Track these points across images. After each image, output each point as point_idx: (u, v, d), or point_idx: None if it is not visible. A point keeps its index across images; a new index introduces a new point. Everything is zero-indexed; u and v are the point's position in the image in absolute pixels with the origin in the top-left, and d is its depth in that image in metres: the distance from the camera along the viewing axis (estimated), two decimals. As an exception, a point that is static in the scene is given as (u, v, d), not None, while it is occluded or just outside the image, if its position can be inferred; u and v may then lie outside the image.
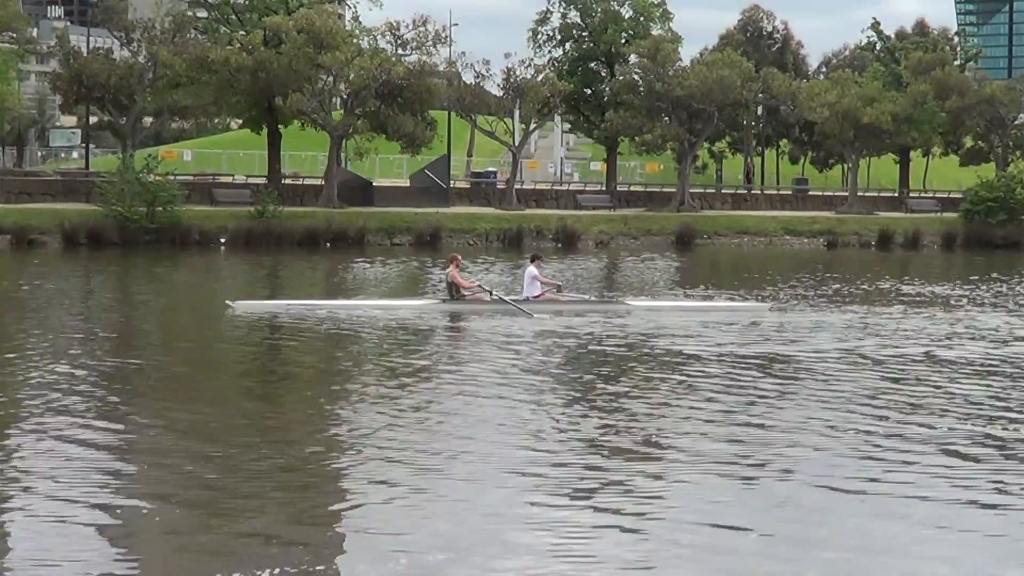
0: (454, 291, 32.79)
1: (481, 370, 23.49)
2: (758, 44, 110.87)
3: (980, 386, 22.10)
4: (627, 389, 21.47)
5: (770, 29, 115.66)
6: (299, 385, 22.94)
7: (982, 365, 24.64)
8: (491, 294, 33.06)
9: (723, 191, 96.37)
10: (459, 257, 34.54)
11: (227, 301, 32.77)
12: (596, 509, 13.78)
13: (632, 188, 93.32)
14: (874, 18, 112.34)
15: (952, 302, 38.83)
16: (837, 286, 44.52)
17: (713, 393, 20.97)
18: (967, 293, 42.54)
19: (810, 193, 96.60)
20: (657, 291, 42.18)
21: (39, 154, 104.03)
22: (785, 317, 32.60)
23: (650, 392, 21.22)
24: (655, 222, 78.36)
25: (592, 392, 21.25)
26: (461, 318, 31.48)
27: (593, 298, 35.28)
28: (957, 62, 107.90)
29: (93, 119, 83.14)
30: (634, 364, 24.54)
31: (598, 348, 26.76)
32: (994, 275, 51.32)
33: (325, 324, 29.93)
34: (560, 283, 36.46)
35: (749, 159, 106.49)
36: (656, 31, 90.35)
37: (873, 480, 15.04)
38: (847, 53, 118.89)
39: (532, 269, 33.66)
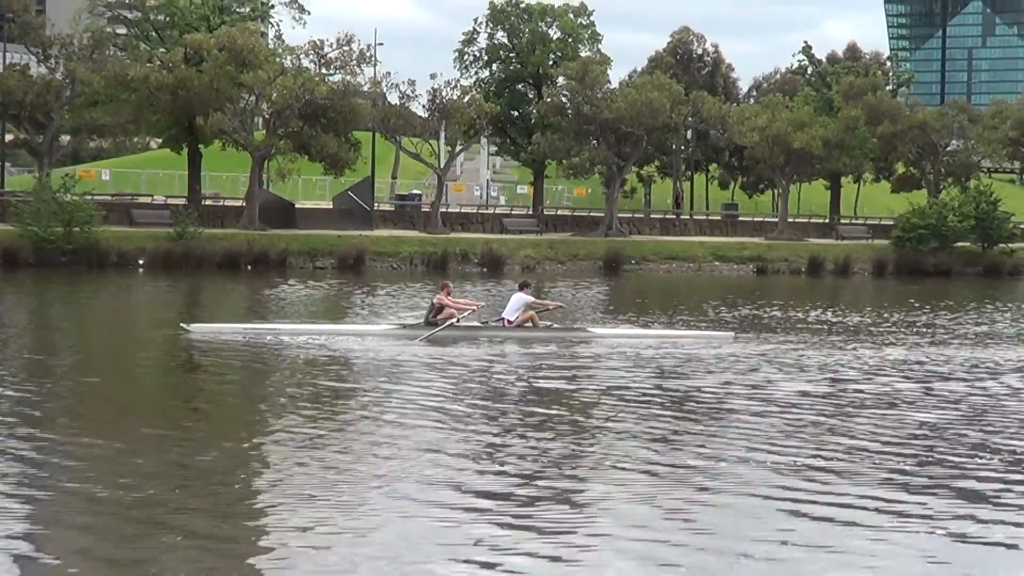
0: (430, 315, 32.03)
1: (432, 398, 22.82)
2: (688, 67, 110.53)
3: (888, 420, 21.28)
4: (568, 415, 21.02)
5: (700, 52, 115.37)
6: (224, 413, 21.91)
7: (887, 399, 23.72)
8: (457, 320, 32.10)
9: (652, 216, 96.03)
10: (450, 284, 33.85)
11: (182, 324, 31.82)
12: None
13: (559, 212, 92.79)
14: (805, 42, 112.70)
15: (874, 331, 38.09)
16: (767, 313, 43.77)
17: (654, 419, 20.58)
18: (891, 322, 41.84)
19: (740, 219, 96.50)
20: (611, 320, 41.38)
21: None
22: (749, 347, 31.84)
23: (607, 419, 20.68)
24: (582, 247, 77.64)
25: (531, 419, 20.66)
26: (426, 344, 30.67)
27: (554, 326, 34.30)
28: (889, 87, 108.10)
29: (9, 137, 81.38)
30: (590, 391, 24.00)
31: (546, 376, 26.14)
32: (920, 304, 50.74)
33: (272, 350, 29.05)
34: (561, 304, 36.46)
35: (678, 184, 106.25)
36: (584, 53, 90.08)
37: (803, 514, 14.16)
38: (778, 77, 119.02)
39: (522, 296, 32.88)
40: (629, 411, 21.64)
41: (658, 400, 23.01)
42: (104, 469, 16.40)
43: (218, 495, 15.21)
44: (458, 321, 31.95)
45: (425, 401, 22.22)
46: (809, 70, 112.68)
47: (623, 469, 16.95)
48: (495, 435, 19.22)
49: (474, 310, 32.82)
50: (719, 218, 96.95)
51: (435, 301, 32.33)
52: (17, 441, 18.10)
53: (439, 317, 31.91)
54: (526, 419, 20.74)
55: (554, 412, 21.54)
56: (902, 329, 39.22)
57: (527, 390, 24.42)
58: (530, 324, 32.56)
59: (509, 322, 32.44)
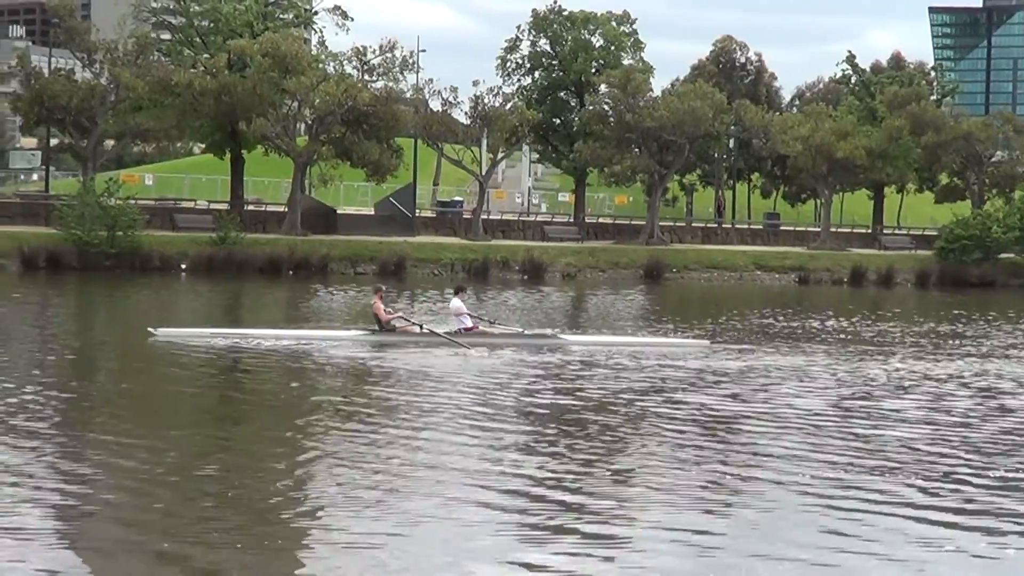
0: (381, 323, 32.00)
1: (397, 405, 22.96)
2: (731, 76, 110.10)
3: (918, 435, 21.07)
4: (553, 426, 20.88)
5: (743, 61, 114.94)
6: (209, 418, 21.87)
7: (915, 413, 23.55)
8: (421, 327, 32.10)
9: (693, 225, 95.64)
10: (383, 288, 33.74)
11: (149, 329, 31.74)
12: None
13: (600, 220, 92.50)
14: (849, 51, 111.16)
15: (915, 343, 37.82)
16: (800, 323, 43.55)
17: (625, 430, 20.71)
18: (933, 333, 41.54)
19: (782, 228, 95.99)
20: (597, 325, 41.25)
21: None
22: (722, 356, 31.70)
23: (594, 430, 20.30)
24: (623, 255, 77.38)
25: (523, 428, 20.73)
26: (387, 350, 30.71)
27: (526, 332, 34.12)
28: (933, 97, 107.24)
29: (54, 141, 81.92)
30: (560, 401, 23.92)
31: (526, 383, 26.13)
32: (964, 315, 50.36)
33: (249, 354, 29.27)
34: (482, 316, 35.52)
35: (720, 192, 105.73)
36: (627, 61, 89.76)
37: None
38: (821, 86, 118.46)
39: (457, 302, 32.65)
40: (650, 419, 21.65)
41: (683, 408, 22.97)
42: (150, 467, 16.48)
43: (260, 493, 15.23)
44: (420, 328, 31.93)
45: (450, 409, 22.29)
46: (853, 79, 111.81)
47: (656, 475, 16.89)
48: (525, 440, 19.34)
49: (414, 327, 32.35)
50: (761, 227, 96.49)
51: (372, 310, 32.24)
52: (51, 440, 18.21)
53: (393, 325, 31.87)
54: (538, 426, 20.79)
55: (574, 419, 21.51)
56: (944, 340, 38.98)
57: (526, 398, 24.30)
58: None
59: (468, 329, 32.23)
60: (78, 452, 17.63)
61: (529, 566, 12.67)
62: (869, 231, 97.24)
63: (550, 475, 16.77)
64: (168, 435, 19.32)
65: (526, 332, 34.17)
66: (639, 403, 23.49)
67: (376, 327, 32.14)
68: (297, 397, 23.99)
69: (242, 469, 16.79)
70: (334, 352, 29.93)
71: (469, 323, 32.35)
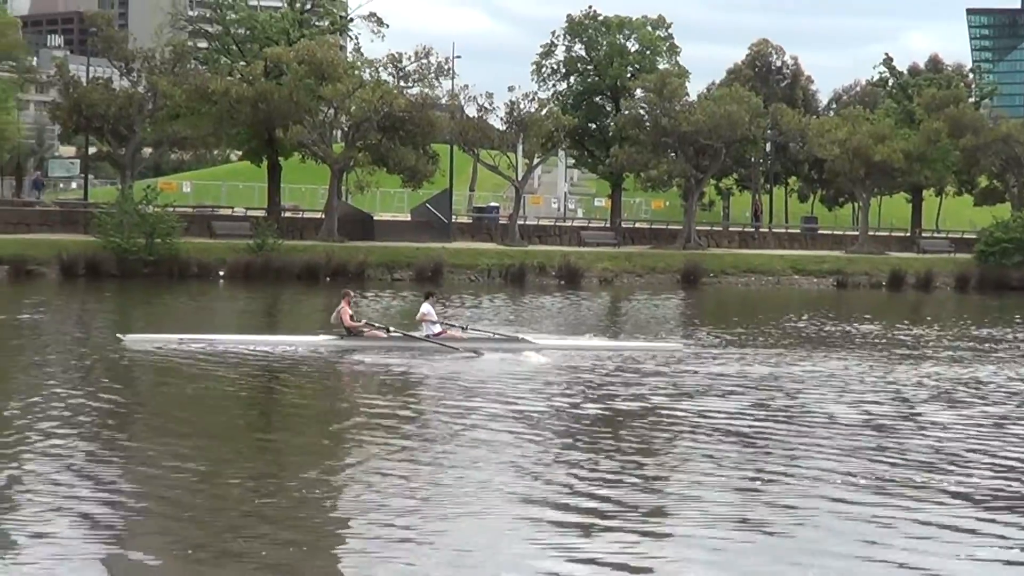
0: (349, 328, 31.96)
1: (417, 412, 23.09)
2: (767, 79, 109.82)
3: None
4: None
5: (779, 64, 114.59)
6: (284, 422, 21.89)
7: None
8: (388, 331, 32.14)
9: (730, 229, 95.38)
10: (351, 293, 33.64)
11: (117, 335, 31.85)
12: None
13: (637, 225, 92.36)
14: (886, 54, 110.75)
15: (951, 347, 37.56)
16: (837, 327, 43.38)
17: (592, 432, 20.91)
18: (971, 337, 41.25)
19: (819, 232, 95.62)
20: (577, 330, 41.11)
21: (30, 183, 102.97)
22: (693, 360, 31.55)
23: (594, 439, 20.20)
24: (660, 260, 77.25)
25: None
26: (355, 354, 30.79)
27: (496, 336, 34.07)
28: (972, 99, 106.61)
29: (92, 149, 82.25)
30: (634, 404, 23.84)
31: (538, 389, 26.22)
32: (1005, 318, 50.05)
33: (219, 359, 29.27)
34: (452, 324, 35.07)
35: (757, 196, 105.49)
36: (663, 65, 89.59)
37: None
38: (858, 89, 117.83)
39: (426, 307, 32.63)
40: (676, 425, 21.61)
41: (713, 414, 22.84)
42: (177, 475, 16.52)
43: (289, 502, 15.24)
44: (388, 332, 31.97)
45: (465, 415, 22.29)
46: (890, 82, 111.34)
47: (694, 482, 16.82)
48: (549, 446, 19.35)
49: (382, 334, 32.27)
50: (798, 231, 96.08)
51: (338, 315, 32.12)
52: (88, 445, 18.27)
53: (364, 332, 31.83)
54: (562, 432, 20.81)
55: (600, 426, 21.45)
56: (984, 344, 38.74)
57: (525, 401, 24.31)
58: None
59: (436, 334, 32.19)
60: (106, 460, 17.64)
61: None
62: (907, 234, 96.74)
63: (580, 481, 16.75)
64: (191, 444, 19.36)
65: (495, 336, 34.07)
66: (665, 409, 23.41)
67: (344, 332, 32.02)
68: (315, 404, 24.14)
69: (268, 478, 16.72)
70: (306, 357, 29.98)
71: (437, 328, 32.35)
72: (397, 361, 29.71)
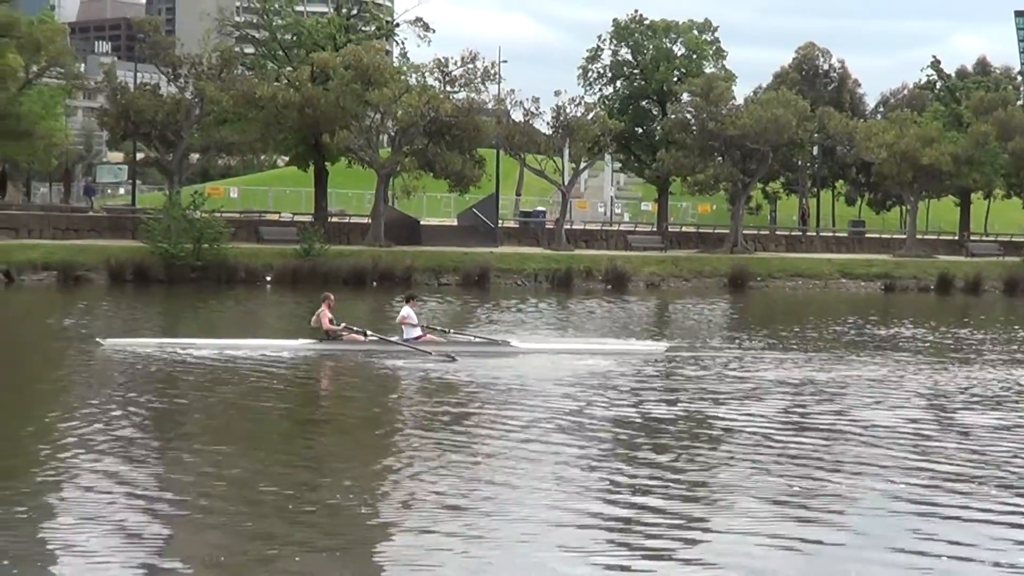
0: (328, 332, 31.90)
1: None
2: (814, 83, 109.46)
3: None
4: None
5: (826, 67, 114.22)
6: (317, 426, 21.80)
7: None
8: (365, 335, 32.01)
9: (777, 233, 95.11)
10: (331, 297, 33.32)
11: (97, 339, 31.72)
12: None
13: (684, 229, 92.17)
14: (934, 56, 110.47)
15: (1000, 350, 37.19)
16: (886, 331, 43.11)
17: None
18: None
19: (867, 235, 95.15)
20: (551, 332, 40.91)
21: (81, 189, 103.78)
22: (673, 363, 31.21)
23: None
24: (707, 264, 77.02)
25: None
26: (335, 359, 30.82)
27: (476, 339, 33.99)
28: (1020, 102, 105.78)
29: (140, 155, 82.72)
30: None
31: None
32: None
33: (200, 364, 29.14)
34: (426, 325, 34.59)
35: (804, 200, 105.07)
36: (709, 69, 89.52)
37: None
38: (906, 92, 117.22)
39: (406, 310, 32.53)
40: (717, 428, 21.50)
41: (753, 418, 22.63)
42: (212, 480, 16.52)
43: (326, 508, 15.19)
44: (365, 336, 31.86)
45: (493, 418, 22.23)
46: (938, 85, 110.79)
47: (732, 489, 16.67)
48: (586, 448, 19.31)
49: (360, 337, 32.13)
50: (846, 235, 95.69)
51: (317, 318, 32.06)
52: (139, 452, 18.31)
53: (343, 336, 31.75)
54: (601, 434, 20.72)
55: (639, 428, 21.34)
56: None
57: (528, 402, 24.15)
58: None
59: (416, 337, 32.11)
60: (136, 467, 17.52)
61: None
62: (956, 238, 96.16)
63: (616, 488, 16.58)
64: (223, 449, 19.32)
65: (476, 339, 33.95)
66: (700, 414, 23.14)
67: (323, 335, 31.95)
68: (341, 410, 24.16)
69: (303, 485, 16.60)
70: (281, 360, 29.93)
71: (418, 332, 32.27)
72: (419, 365, 29.71)
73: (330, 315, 31.84)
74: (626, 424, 21.91)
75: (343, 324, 32.14)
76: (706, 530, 14.45)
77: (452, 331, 34.70)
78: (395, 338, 32.05)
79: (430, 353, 30.74)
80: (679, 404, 24.19)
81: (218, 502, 15.33)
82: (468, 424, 21.59)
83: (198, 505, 15.24)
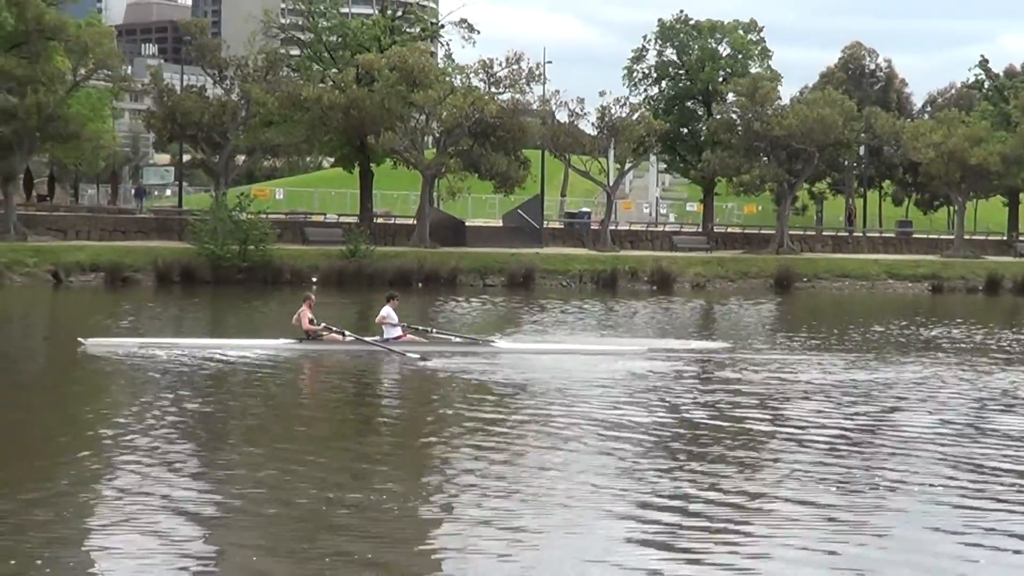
0: (308, 332, 31.84)
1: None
2: (860, 82, 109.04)
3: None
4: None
5: (873, 67, 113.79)
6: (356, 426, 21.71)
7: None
8: (344, 335, 31.96)
9: (823, 233, 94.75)
10: (312, 297, 33.19)
11: (79, 339, 31.53)
12: None
13: (729, 230, 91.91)
14: (982, 55, 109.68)
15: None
16: (935, 332, 42.80)
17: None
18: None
19: (914, 236, 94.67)
20: (537, 332, 40.66)
21: (132, 191, 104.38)
22: (649, 364, 30.76)
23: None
24: (753, 264, 76.77)
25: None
26: (314, 359, 30.81)
27: (457, 339, 33.81)
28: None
29: (186, 157, 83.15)
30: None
31: (601, 393, 25.68)
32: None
33: (180, 364, 28.94)
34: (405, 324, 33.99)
35: (850, 200, 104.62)
36: (754, 69, 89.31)
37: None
38: (953, 92, 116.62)
39: (386, 310, 32.35)
40: (751, 431, 21.24)
41: (787, 420, 22.34)
42: (250, 485, 16.53)
43: (365, 511, 15.15)
44: (344, 336, 31.83)
45: (532, 421, 22.02)
46: (986, 84, 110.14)
47: (777, 492, 16.47)
48: (628, 453, 19.06)
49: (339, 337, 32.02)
50: (893, 235, 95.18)
51: (297, 318, 31.98)
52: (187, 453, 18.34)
53: (320, 335, 31.66)
54: (642, 439, 20.42)
55: (679, 432, 21.14)
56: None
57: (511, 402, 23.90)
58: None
59: (397, 337, 31.99)
60: (173, 468, 17.47)
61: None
62: (1004, 238, 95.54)
63: (662, 489, 16.44)
64: (247, 450, 19.33)
65: (456, 339, 33.78)
66: (746, 415, 22.89)
67: (303, 335, 31.87)
68: (369, 410, 24.17)
69: (338, 487, 16.47)
70: (263, 360, 29.83)
71: (398, 331, 32.15)
72: (460, 364, 29.64)
73: (310, 315, 31.81)
74: (649, 426, 21.64)
75: (323, 324, 32.09)
76: (747, 534, 14.31)
77: (434, 330, 34.51)
78: (372, 338, 31.91)
79: (403, 354, 30.56)
80: (718, 406, 24.00)
81: (250, 504, 15.25)
82: (490, 426, 21.30)
83: (231, 507, 15.18)
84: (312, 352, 31.24)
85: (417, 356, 30.32)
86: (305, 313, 31.74)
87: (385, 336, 31.92)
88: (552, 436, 20.36)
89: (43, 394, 25.53)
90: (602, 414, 22.62)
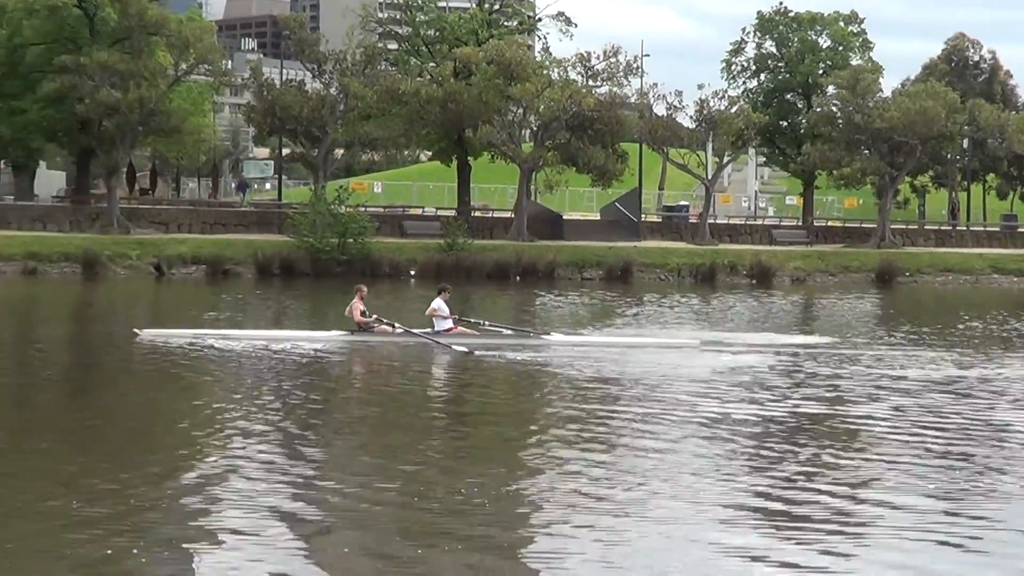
0: (359, 324, 31.70)
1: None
2: (964, 74, 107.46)
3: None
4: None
5: (976, 59, 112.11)
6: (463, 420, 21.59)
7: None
8: (393, 327, 31.70)
9: (926, 227, 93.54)
10: (364, 289, 32.88)
11: (134, 329, 31.65)
12: None
13: (829, 223, 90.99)
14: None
15: None
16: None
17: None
18: None
19: (1020, 230, 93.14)
20: (597, 326, 40.08)
21: (233, 185, 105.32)
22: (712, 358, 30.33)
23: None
24: (854, 258, 76.04)
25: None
26: (366, 351, 30.63)
27: (508, 332, 33.38)
28: None
29: (285, 151, 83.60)
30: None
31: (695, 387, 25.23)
32: None
33: (238, 355, 29.02)
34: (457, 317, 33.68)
35: (954, 194, 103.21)
36: (855, 61, 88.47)
37: None
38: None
39: (437, 302, 32.08)
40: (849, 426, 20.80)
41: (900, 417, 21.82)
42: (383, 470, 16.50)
43: (457, 503, 15.07)
44: (393, 328, 31.58)
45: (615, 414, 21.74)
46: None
47: (883, 487, 16.10)
48: (725, 447, 18.77)
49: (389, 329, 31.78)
50: (997, 229, 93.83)
51: (348, 310, 31.87)
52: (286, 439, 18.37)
53: (374, 327, 31.50)
54: (739, 433, 20.11)
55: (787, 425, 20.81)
56: None
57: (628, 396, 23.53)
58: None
59: (447, 329, 31.77)
60: (277, 462, 17.44)
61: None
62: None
63: (761, 488, 16.05)
64: (341, 442, 19.31)
65: (507, 332, 33.39)
66: (839, 412, 22.37)
67: (355, 327, 31.74)
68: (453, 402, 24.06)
69: (432, 483, 16.39)
70: (312, 352, 29.76)
71: (448, 324, 31.88)
72: (513, 357, 29.50)
73: (362, 307, 31.78)
74: (740, 422, 21.19)
75: (374, 316, 32.04)
76: (851, 525, 14.11)
77: (486, 323, 34.06)
78: (420, 331, 31.74)
79: (449, 347, 30.36)
80: (814, 401, 23.61)
81: (342, 499, 15.16)
82: (571, 422, 20.95)
83: (324, 502, 15.06)
84: (363, 344, 31.16)
85: (464, 349, 30.11)
86: (357, 305, 31.70)
87: (436, 328, 31.79)
88: (634, 431, 20.16)
89: (106, 387, 25.67)
90: (684, 409, 22.32)
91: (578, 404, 22.78)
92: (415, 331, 31.65)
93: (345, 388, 26.05)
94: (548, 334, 33.44)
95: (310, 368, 27.81)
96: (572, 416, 21.33)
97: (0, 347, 31.93)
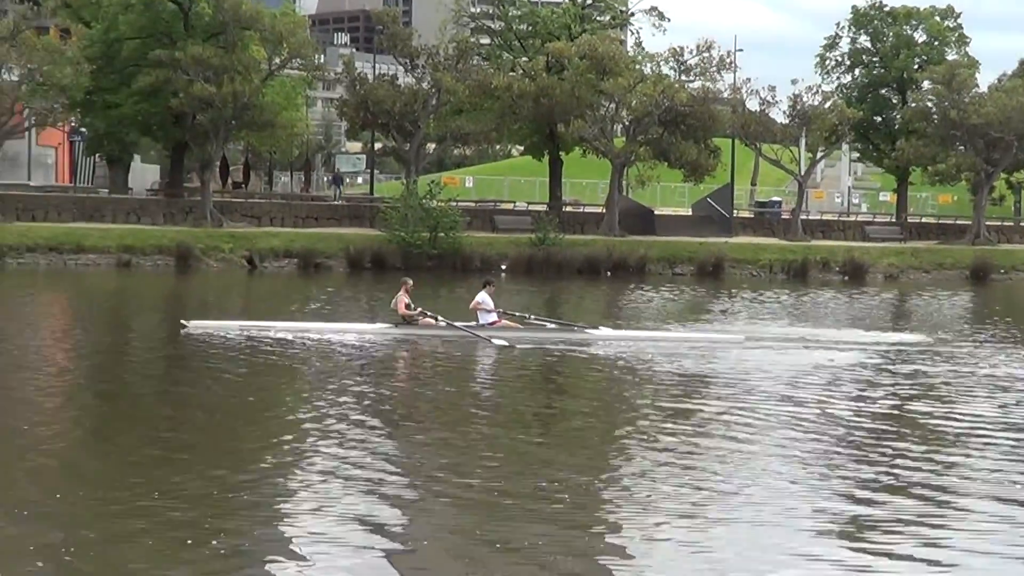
0: (404, 316, 31.75)
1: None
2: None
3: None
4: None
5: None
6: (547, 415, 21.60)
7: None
8: (436, 319, 31.68)
9: (1022, 224, 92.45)
10: (409, 282, 33.03)
11: (182, 321, 31.83)
12: None
13: (923, 220, 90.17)
14: None
15: None
16: None
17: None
18: None
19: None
20: (635, 320, 39.82)
21: (325, 179, 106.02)
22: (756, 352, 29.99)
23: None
24: (948, 255, 75.27)
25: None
26: (411, 344, 30.63)
27: (553, 325, 33.38)
28: None
29: (378, 145, 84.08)
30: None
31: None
32: None
33: (289, 347, 29.16)
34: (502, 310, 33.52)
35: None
36: (951, 56, 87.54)
37: None
38: None
39: (481, 296, 32.05)
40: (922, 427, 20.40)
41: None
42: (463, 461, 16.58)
43: (566, 493, 15.10)
44: (437, 321, 31.58)
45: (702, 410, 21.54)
46: None
47: (970, 492, 15.75)
48: (814, 443, 18.72)
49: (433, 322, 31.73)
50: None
51: (394, 303, 31.89)
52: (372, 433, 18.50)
53: (418, 320, 31.52)
54: (828, 428, 19.93)
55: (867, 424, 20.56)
56: None
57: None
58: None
59: (492, 323, 31.71)
60: (360, 452, 17.47)
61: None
62: None
63: (845, 488, 15.85)
64: (418, 438, 19.16)
65: (551, 325, 33.39)
66: (926, 413, 21.92)
67: (399, 320, 31.80)
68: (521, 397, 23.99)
69: (508, 476, 16.34)
70: (359, 344, 29.85)
71: (492, 317, 31.86)
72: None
73: (407, 300, 31.86)
74: (821, 419, 20.99)
75: (419, 309, 32.10)
76: (940, 529, 13.92)
77: (532, 316, 34.04)
78: (463, 324, 31.74)
79: (489, 340, 30.36)
80: (905, 399, 23.29)
81: (424, 491, 15.16)
82: (645, 417, 20.82)
83: (408, 494, 15.05)
84: (408, 336, 31.25)
85: (505, 343, 30.16)
86: (402, 298, 31.84)
87: (480, 322, 31.83)
88: (713, 427, 19.97)
89: (153, 379, 25.93)
90: (757, 405, 22.12)
91: (649, 400, 22.71)
92: (458, 324, 31.74)
93: (392, 380, 26.08)
94: (596, 328, 33.21)
95: (357, 360, 27.88)
96: (647, 412, 21.23)
97: (94, 339, 32.46)
